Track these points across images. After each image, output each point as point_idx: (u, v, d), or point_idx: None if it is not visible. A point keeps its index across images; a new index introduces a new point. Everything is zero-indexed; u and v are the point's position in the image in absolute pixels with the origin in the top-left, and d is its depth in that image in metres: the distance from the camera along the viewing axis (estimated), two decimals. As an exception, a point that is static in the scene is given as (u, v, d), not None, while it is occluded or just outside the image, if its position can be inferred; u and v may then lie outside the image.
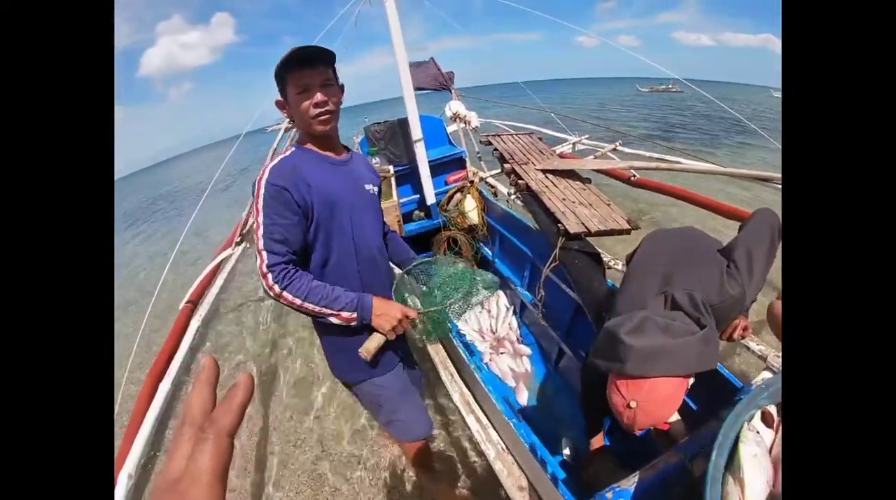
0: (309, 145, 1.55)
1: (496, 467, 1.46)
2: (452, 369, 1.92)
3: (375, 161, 3.69)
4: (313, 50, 1.40)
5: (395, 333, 1.57)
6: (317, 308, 1.44)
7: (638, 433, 1.23)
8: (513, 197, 3.45)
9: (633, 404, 1.17)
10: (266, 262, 1.37)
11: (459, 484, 2.50)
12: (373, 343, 1.54)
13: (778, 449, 1.03)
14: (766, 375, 1.54)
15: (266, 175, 1.40)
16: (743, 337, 1.61)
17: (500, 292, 3.37)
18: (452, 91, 4.65)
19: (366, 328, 1.55)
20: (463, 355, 1.98)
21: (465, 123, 4.33)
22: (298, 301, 1.41)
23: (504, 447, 1.52)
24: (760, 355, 1.63)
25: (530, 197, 2.75)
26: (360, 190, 1.63)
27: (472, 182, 3.87)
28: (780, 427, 1.08)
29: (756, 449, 0.99)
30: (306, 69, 1.40)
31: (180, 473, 0.33)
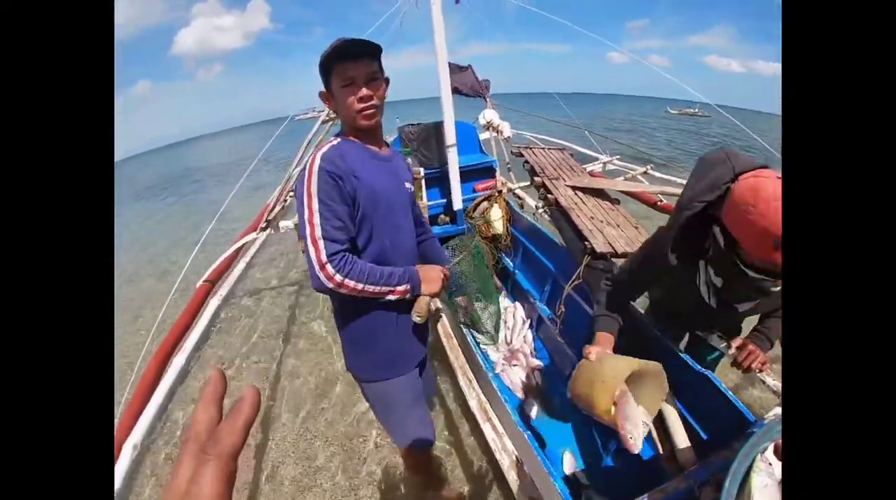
0: (354, 137, 1.54)
1: (510, 477, 1.50)
2: (471, 375, 1.95)
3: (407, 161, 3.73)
4: (359, 43, 1.37)
5: (442, 291, 1.66)
6: (377, 289, 1.45)
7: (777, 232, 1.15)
8: (540, 210, 3.48)
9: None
10: (325, 251, 1.34)
11: (459, 492, 2.53)
12: (423, 304, 1.59)
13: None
14: (779, 410, 1.56)
15: (318, 162, 1.38)
16: (761, 370, 1.63)
17: (518, 305, 3.39)
18: (487, 99, 4.68)
19: (401, 308, 1.59)
20: (481, 362, 2.01)
21: (497, 132, 4.36)
22: (361, 285, 1.40)
23: (517, 457, 1.55)
24: (775, 391, 1.65)
25: (559, 213, 2.79)
26: (400, 188, 1.64)
27: (500, 192, 3.89)
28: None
29: (767, 480, 1.02)
30: (350, 62, 1.38)
31: (181, 495, 0.33)
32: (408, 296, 1.54)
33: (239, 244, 3.44)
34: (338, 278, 1.36)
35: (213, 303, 2.57)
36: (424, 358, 1.91)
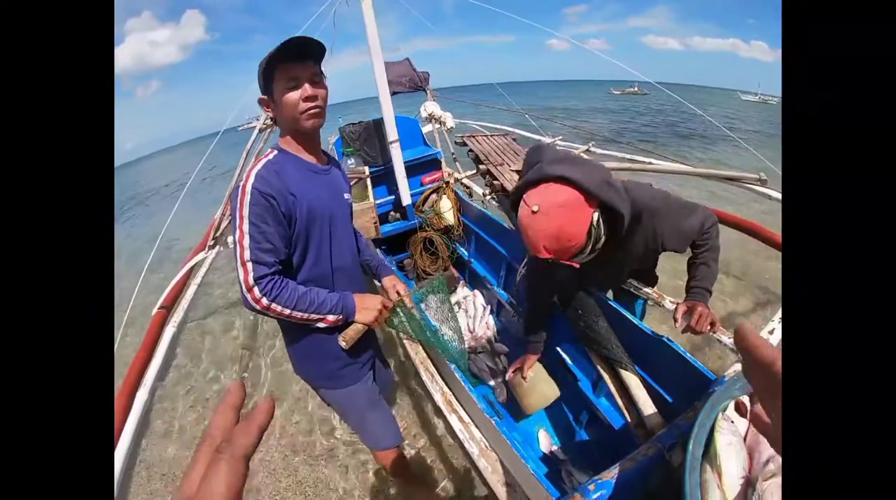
0: (292, 149, 1.48)
1: (480, 464, 1.48)
2: (433, 370, 1.93)
3: (351, 162, 3.68)
4: (305, 41, 1.32)
5: (377, 323, 1.61)
6: (304, 315, 1.42)
7: (543, 252, 1.34)
8: (488, 198, 3.48)
9: (535, 208, 1.27)
10: (252, 274, 1.31)
11: (439, 486, 2.51)
12: (352, 332, 1.54)
13: (752, 437, 1.08)
14: (739, 367, 1.59)
15: (252, 180, 1.33)
16: (714, 332, 1.65)
17: (477, 292, 3.39)
18: (428, 92, 4.65)
19: (342, 327, 1.55)
20: (442, 355, 2.00)
21: (440, 123, 4.34)
22: (287, 311, 1.37)
23: (487, 444, 1.54)
24: (733, 348, 1.68)
25: (506, 198, 2.79)
26: (339, 200, 1.59)
27: (447, 183, 3.90)
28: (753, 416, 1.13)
29: (731, 438, 1.04)
30: (297, 62, 1.33)
31: (192, 494, 0.33)
32: (339, 324, 1.52)
33: (189, 265, 3.33)
34: (264, 301, 1.34)
35: (170, 331, 2.47)
36: (375, 359, 1.91)
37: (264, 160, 1.41)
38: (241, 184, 1.33)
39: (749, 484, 0.98)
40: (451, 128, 4.31)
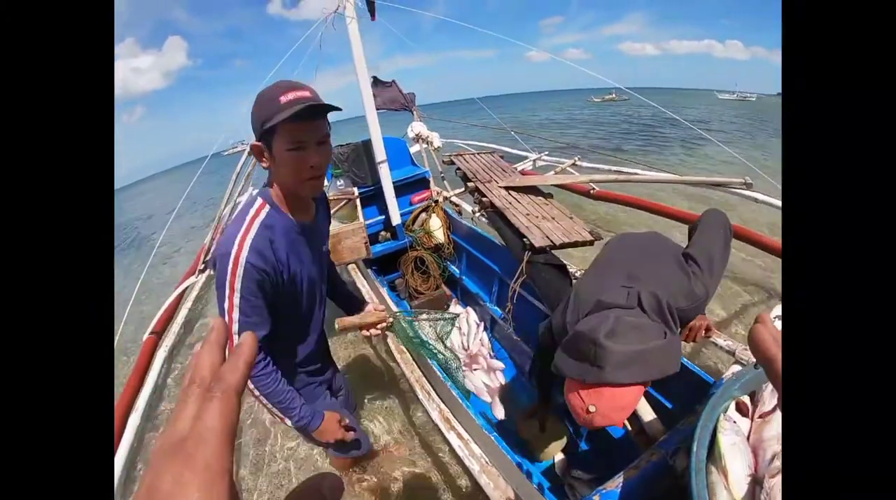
0: (283, 206, 1.36)
1: (482, 480, 1.46)
2: (429, 388, 1.92)
3: (340, 184, 3.68)
4: (319, 106, 1.17)
5: (331, 440, 1.65)
6: (273, 409, 1.44)
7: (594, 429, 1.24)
8: (477, 215, 3.50)
9: (591, 409, 1.16)
10: None
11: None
12: (348, 323, 1.65)
13: (755, 436, 1.07)
14: (736, 368, 1.59)
15: (245, 252, 1.24)
16: (708, 337, 1.66)
17: (470, 309, 3.39)
18: (414, 112, 4.70)
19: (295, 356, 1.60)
20: (438, 372, 1.99)
21: (427, 143, 4.38)
22: (257, 393, 1.39)
23: (487, 460, 1.52)
24: (729, 350, 1.68)
25: (495, 214, 2.81)
26: (318, 256, 1.53)
27: (436, 202, 3.92)
28: (755, 415, 1.13)
29: (734, 438, 1.03)
30: (305, 123, 1.18)
31: (186, 433, 0.32)
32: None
33: (180, 290, 3.32)
34: None
35: (161, 355, 2.45)
36: (333, 377, 1.91)
37: (257, 224, 1.29)
38: (234, 253, 1.24)
39: (756, 482, 0.97)
40: (439, 147, 4.35)
